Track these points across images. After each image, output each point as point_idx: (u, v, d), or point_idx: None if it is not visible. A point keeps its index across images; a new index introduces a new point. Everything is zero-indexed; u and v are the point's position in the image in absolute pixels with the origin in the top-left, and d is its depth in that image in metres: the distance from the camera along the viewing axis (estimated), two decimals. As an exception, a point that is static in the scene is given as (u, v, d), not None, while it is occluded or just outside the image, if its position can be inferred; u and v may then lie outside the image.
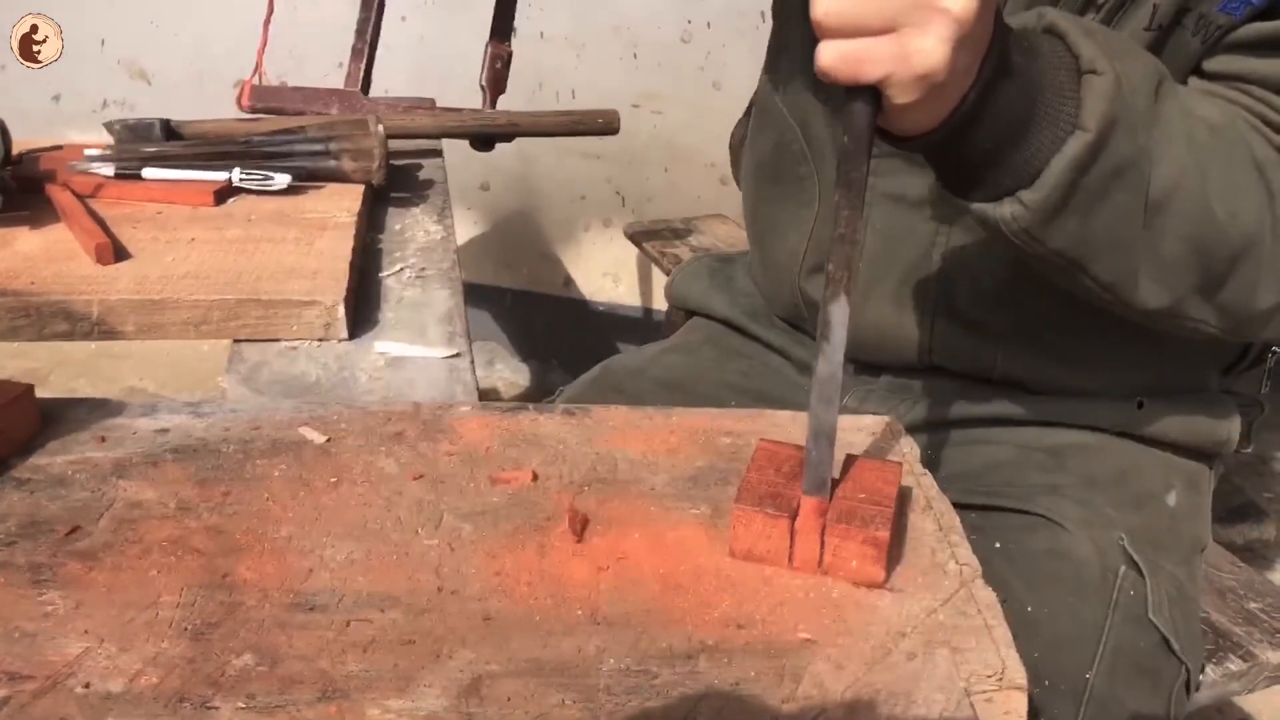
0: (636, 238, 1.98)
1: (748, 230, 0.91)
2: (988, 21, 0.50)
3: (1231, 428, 0.80)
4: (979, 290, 0.75)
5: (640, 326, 2.34)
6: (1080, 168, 0.54)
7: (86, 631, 0.43)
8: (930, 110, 0.51)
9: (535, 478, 0.55)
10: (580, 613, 0.45)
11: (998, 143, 0.54)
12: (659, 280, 2.23)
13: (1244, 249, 0.61)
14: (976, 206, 0.57)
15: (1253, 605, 0.99)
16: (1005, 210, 0.56)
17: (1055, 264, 0.60)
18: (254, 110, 1.14)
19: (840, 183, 0.48)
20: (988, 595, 0.47)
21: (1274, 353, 0.83)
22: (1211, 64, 0.66)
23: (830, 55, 0.47)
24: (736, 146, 0.97)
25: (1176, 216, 0.59)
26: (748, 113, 0.95)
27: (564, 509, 0.52)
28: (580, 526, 0.51)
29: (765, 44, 0.88)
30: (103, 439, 0.57)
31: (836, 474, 0.51)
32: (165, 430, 0.58)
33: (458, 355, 0.75)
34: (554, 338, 2.38)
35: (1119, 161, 0.55)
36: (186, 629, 0.43)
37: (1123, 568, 0.69)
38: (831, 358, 0.48)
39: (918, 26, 0.46)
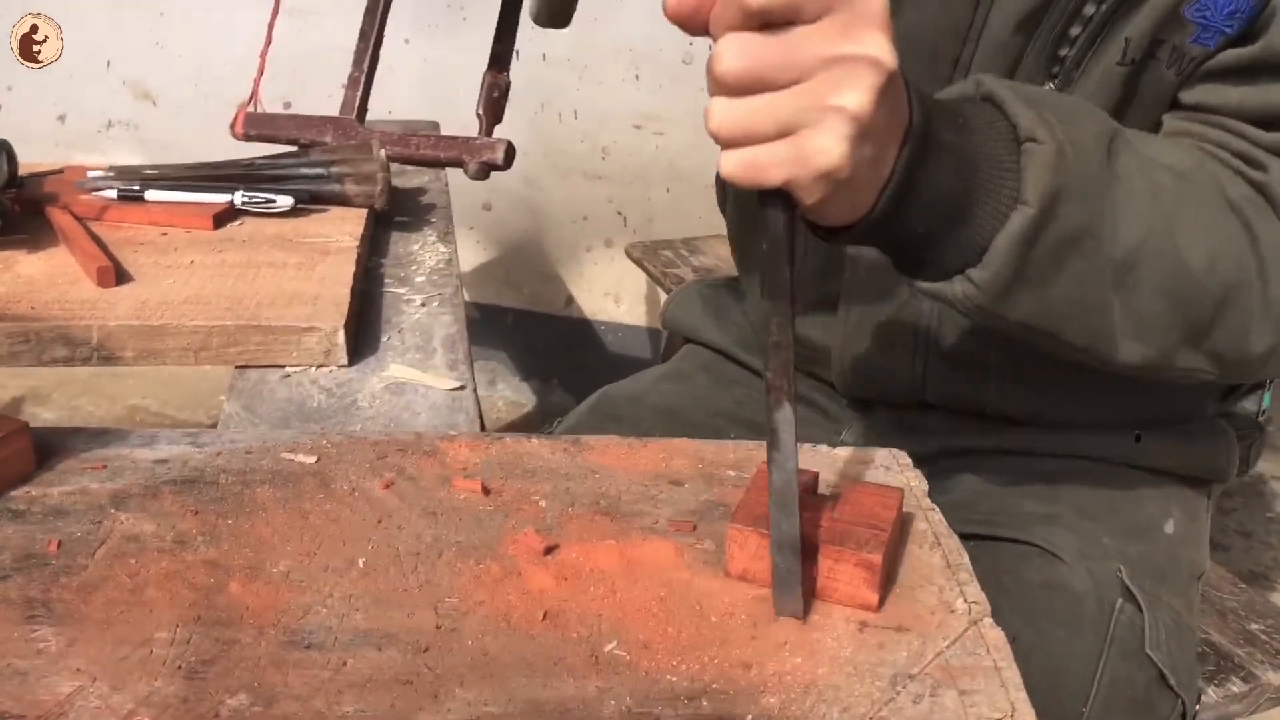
0: (638, 258, 1.98)
1: (736, 264, 0.91)
2: (895, 109, 0.48)
3: (1230, 455, 0.80)
4: (970, 327, 0.74)
5: (641, 346, 2.33)
6: (1026, 242, 0.52)
7: (79, 670, 0.42)
8: (848, 203, 0.50)
9: (487, 492, 0.55)
10: (581, 651, 0.44)
11: (934, 224, 0.52)
12: (661, 300, 2.22)
13: (1226, 295, 0.59)
14: (928, 286, 0.55)
15: (1254, 626, 0.98)
16: (956, 290, 0.54)
17: (1023, 334, 0.58)
18: (248, 138, 1.14)
19: (766, 289, 0.46)
20: (997, 635, 0.46)
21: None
22: (1187, 95, 0.65)
23: (731, 164, 0.46)
24: (721, 182, 0.97)
25: (1148, 272, 0.57)
26: None
27: (565, 544, 0.51)
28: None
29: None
30: (101, 469, 0.56)
31: (833, 505, 0.50)
32: (164, 460, 0.57)
33: (462, 388, 0.74)
34: (555, 357, 2.38)
35: (1068, 231, 0.53)
36: (180, 667, 0.43)
37: (1120, 600, 0.68)
38: (784, 465, 0.46)
39: (813, 127, 0.45)
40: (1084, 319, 0.57)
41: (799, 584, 0.47)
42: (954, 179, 0.52)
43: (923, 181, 0.51)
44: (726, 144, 0.46)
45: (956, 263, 0.54)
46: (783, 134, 0.45)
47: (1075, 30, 0.64)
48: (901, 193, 0.50)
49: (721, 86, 0.45)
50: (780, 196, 0.47)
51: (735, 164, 0.46)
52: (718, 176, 0.98)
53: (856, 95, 0.44)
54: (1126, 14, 0.63)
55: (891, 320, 0.76)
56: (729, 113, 0.45)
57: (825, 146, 0.45)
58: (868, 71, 0.45)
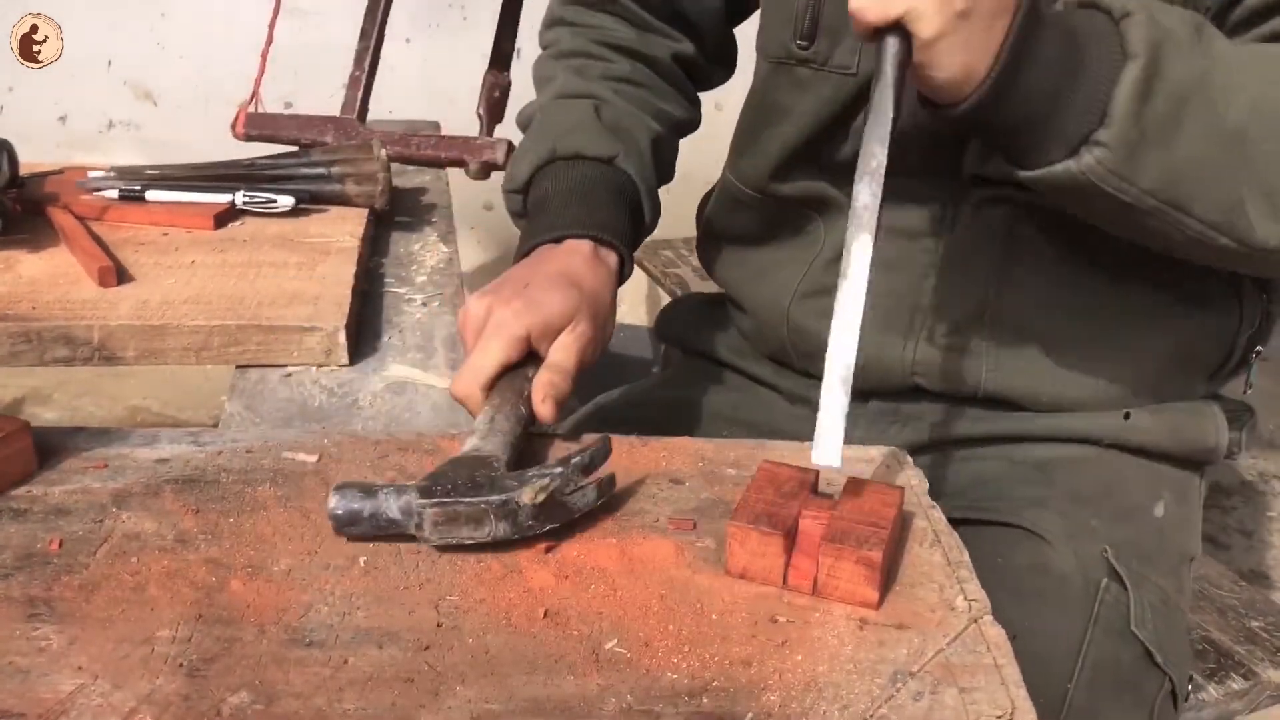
0: (638, 257, 1.98)
1: (725, 285, 0.91)
2: None
3: (1220, 434, 0.80)
4: (964, 315, 0.75)
5: (642, 346, 2.33)
6: (1141, 95, 0.56)
7: (80, 668, 0.42)
8: (961, 60, 0.54)
9: None
10: (581, 649, 0.44)
11: (1053, 87, 0.56)
12: (661, 300, 2.22)
13: None
14: (1056, 168, 0.58)
15: (1254, 624, 0.99)
16: (1087, 159, 0.57)
17: (1155, 210, 0.59)
18: (249, 138, 1.14)
19: (868, 132, 0.52)
20: (997, 633, 0.46)
21: (1258, 352, 0.82)
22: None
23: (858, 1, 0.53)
24: (703, 203, 0.98)
25: (1265, 142, 0.58)
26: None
27: (566, 542, 0.51)
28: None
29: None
30: (102, 468, 0.56)
31: (833, 503, 0.50)
32: (165, 460, 0.57)
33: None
34: (557, 357, 2.38)
35: (1178, 85, 0.57)
36: (182, 665, 0.43)
37: (1105, 580, 0.69)
38: (849, 293, 0.51)
39: None
40: (1210, 188, 0.59)
41: (841, 430, 0.49)
42: (1063, 45, 0.57)
43: (1036, 47, 0.56)
44: None
45: (1077, 129, 0.57)
46: None
47: None
48: (1019, 49, 0.55)
49: None
50: (899, 32, 0.53)
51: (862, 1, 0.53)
52: (701, 203, 0.99)
53: None
54: None
55: (889, 311, 0.76)
56: None
57: None
58: None
